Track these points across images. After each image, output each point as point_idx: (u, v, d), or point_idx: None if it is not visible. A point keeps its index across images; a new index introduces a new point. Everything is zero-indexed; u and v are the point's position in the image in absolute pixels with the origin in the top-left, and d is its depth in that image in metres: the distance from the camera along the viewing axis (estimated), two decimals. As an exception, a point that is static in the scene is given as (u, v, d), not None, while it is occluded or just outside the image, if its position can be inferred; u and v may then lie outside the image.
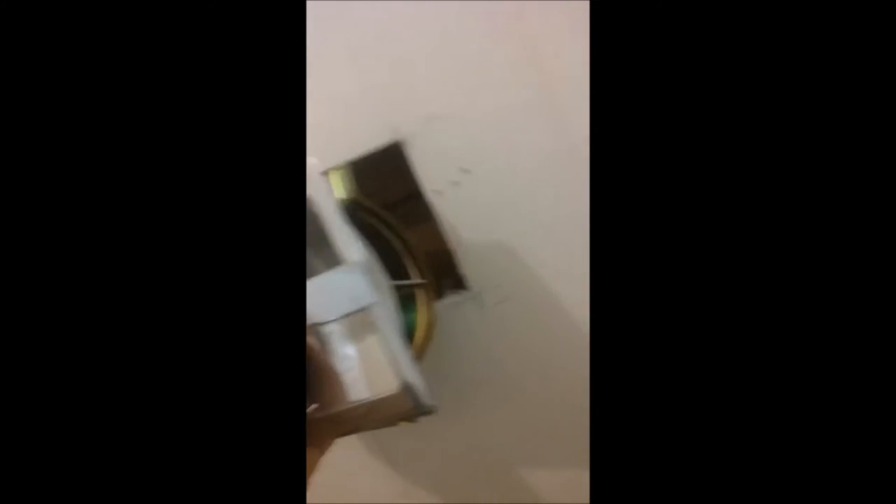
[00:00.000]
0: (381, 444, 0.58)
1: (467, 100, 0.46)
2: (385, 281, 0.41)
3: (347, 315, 0.36)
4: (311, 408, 0.41)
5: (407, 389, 0.36)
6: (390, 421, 0.39)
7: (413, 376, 0.36)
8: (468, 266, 0.51)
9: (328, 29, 0.47)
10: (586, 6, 0.29)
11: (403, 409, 0.36)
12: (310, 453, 0.43)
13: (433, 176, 0.49)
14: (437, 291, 0.52)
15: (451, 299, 0.52)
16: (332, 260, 0.38)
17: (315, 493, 0.42)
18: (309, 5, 0.45)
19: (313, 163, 0.39)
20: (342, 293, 0.36)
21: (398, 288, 0.45)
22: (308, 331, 0.41)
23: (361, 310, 0.37)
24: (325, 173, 0.45)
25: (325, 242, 0.39)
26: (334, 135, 0.49)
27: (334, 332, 0.39)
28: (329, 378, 0.41)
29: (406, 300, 0.48)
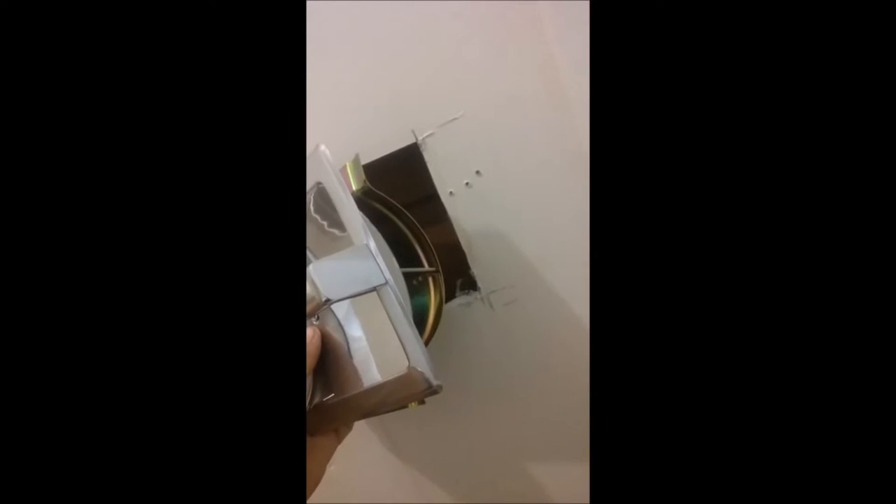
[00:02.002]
0: (391, 438, 0.59)
1: (481, 103, 0.48)
2: (395, 265, 0.42)
3: (358, 294, 0.37)
4: (328, 397, 0.43)
5: (417, 370, 0.37)
6: (402, 402, 0.40)
7: (421, 356, 0.37)
8: (479, 267, 0.52)
9: (345, 34, 0.49)
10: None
11: (415, 390, 0.37)
12: (327, 441, 0.44)
13: (447, 178, 0.51)
14: (448, 291, 0.53)
15: (461, 300, 0.53)
16: (343, 243, 0.39)
17: (326, 485, 0.43)
18: (325, 10, 0.48)
19: (323, 150, 0.41)
20: (353, 273, 0.37)
21: (408, 276, 0.46)
22: (321, 316, 0.42)
23: (372, 290, 0.38)
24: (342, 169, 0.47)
25: (336, 225, 0.40)
26: (351, 139, 0.52)
27: (345, 313, 0.41)
28: (343, 364, 0.42)
29: (416, 288, 0.49)
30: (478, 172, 0.50)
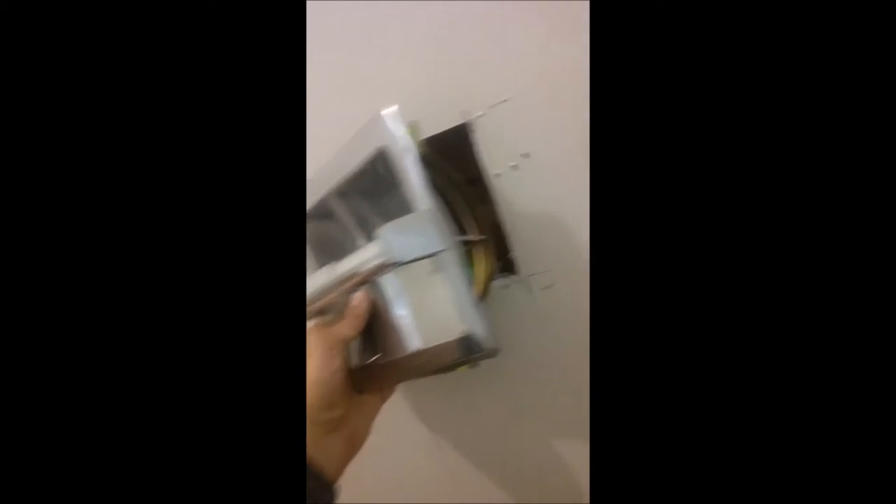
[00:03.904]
0: (424, 412, 0.59)
1: (528, 87, 0.49)
2: (451, 233, 0.43)
3: (424, 257, 0.38)
4: (375, 357, 0.44)
5: (471, 335, 0.38)
6: (454, 365, 0.41)
7: (477, 322, 0.38)
8: (519, 250, 0.53)
9: (399, 20, 0.50)
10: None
11: (466, 355, 0.38)
12: (372, 399, 0.45)
13: (494, 160, 0.51)
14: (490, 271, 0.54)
15: (500, 281, 0.54)
16: (405, 207, 0.40)
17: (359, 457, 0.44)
18: (375, 4, 0.50)
19: (392, 111, 0.41)
20: (414, 237, 0.38)
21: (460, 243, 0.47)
22: (373, 283, 0.43)
23: (433, 254, 0.38)
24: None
25: (398, 189, 0.41)
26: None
27: (397, 278, 0.42)
28: (389, 328, 0.43)
29: (465, 257, 0.50)
30: (524, 155, 0.50)
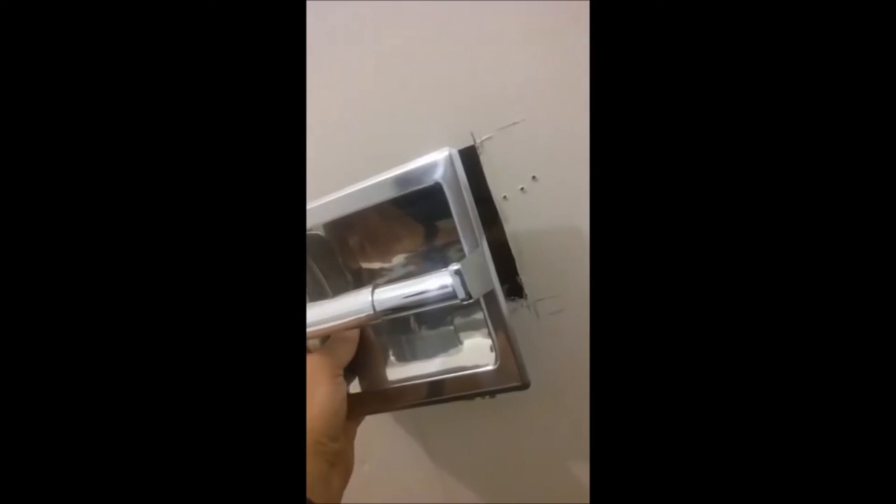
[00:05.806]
0: (423, 442, 0.58)
1: (539, 109, 0.48)
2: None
3: (481, 296, 0.42)
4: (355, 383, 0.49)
5: (505, 365, 0.42)
6: (476, 395, 0.45)
7: (511, 354, 0.42)
8: (527, 274, 0.52)
9: (407, 40, 0.49)
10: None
11: (498, 385, 0.43)
12: (351, 426, 0.49)
13: (502, 182, 0.50)
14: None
15: (508, 305, 0.53)
16: (461, 244, 0.44)
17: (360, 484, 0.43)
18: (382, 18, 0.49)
19: (453, 152, 0.44)
20: (477, 275, 0.40)
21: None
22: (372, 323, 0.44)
23: (489, 292, 0.42)
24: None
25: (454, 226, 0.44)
26: (411, 141, 0.52)
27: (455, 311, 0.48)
28: (377, 354, 0.49)
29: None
30: (534, 178, 0.49)
